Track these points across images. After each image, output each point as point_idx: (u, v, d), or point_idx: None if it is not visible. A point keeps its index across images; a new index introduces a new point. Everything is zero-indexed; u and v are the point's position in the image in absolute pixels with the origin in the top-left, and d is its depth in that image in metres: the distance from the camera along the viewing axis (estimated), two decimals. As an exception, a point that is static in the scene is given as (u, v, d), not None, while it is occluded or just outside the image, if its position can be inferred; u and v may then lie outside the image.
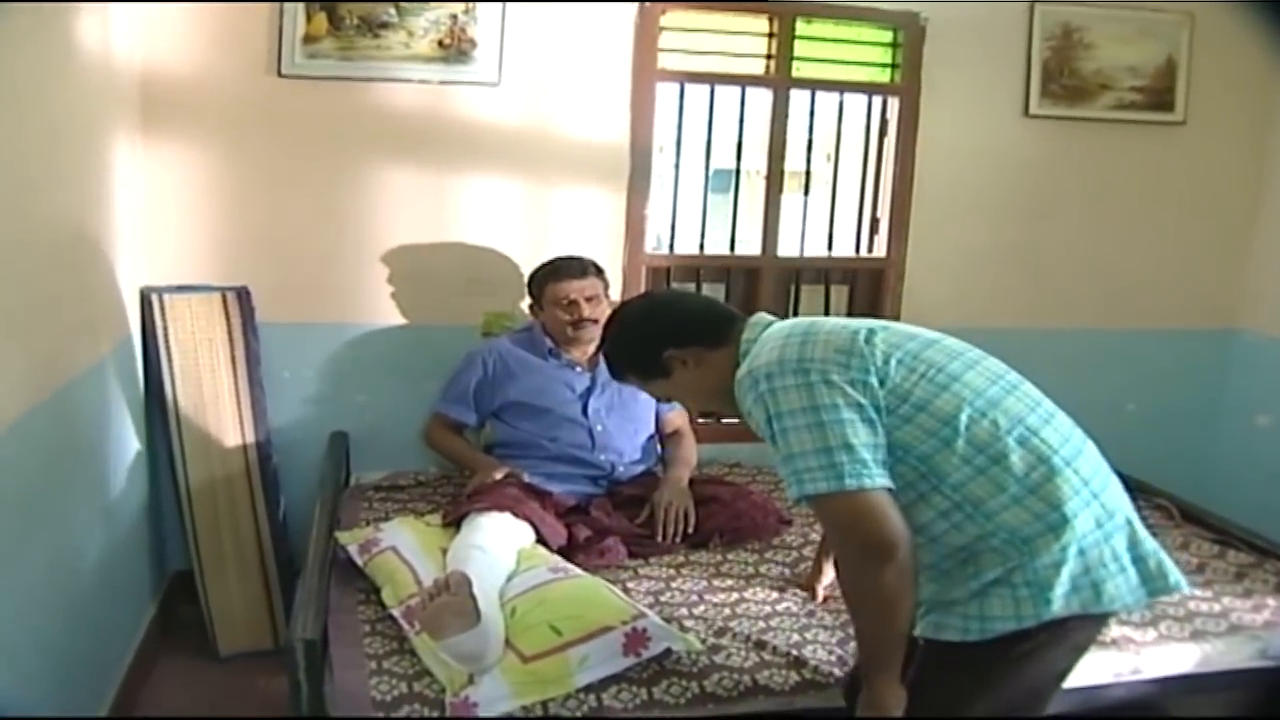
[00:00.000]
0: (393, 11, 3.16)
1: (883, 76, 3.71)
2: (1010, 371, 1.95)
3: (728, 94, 3.60)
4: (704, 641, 2.31)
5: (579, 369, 3.12)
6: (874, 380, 1.76)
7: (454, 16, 3.20)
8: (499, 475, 2.87)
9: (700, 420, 3.45)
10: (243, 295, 3.16)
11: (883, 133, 3.75)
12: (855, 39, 3.66)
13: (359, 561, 2.58)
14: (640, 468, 3.14)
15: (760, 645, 2.33)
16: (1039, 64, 3.68)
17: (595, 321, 3.02)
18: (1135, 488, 3.39)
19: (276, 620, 3.18)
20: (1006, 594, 1.75)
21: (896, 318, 3.74)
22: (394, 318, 3.40)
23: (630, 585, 2.61)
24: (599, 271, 3.14)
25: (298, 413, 3.37)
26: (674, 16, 3.42)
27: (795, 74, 3.58)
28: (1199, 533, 3.08)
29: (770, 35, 3.54)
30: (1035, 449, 1.79)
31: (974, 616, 1.77)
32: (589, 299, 3.06)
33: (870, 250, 3.82)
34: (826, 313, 3.79)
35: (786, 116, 3.59)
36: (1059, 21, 3.67)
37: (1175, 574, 1.86)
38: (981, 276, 3.80)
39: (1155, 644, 2.45)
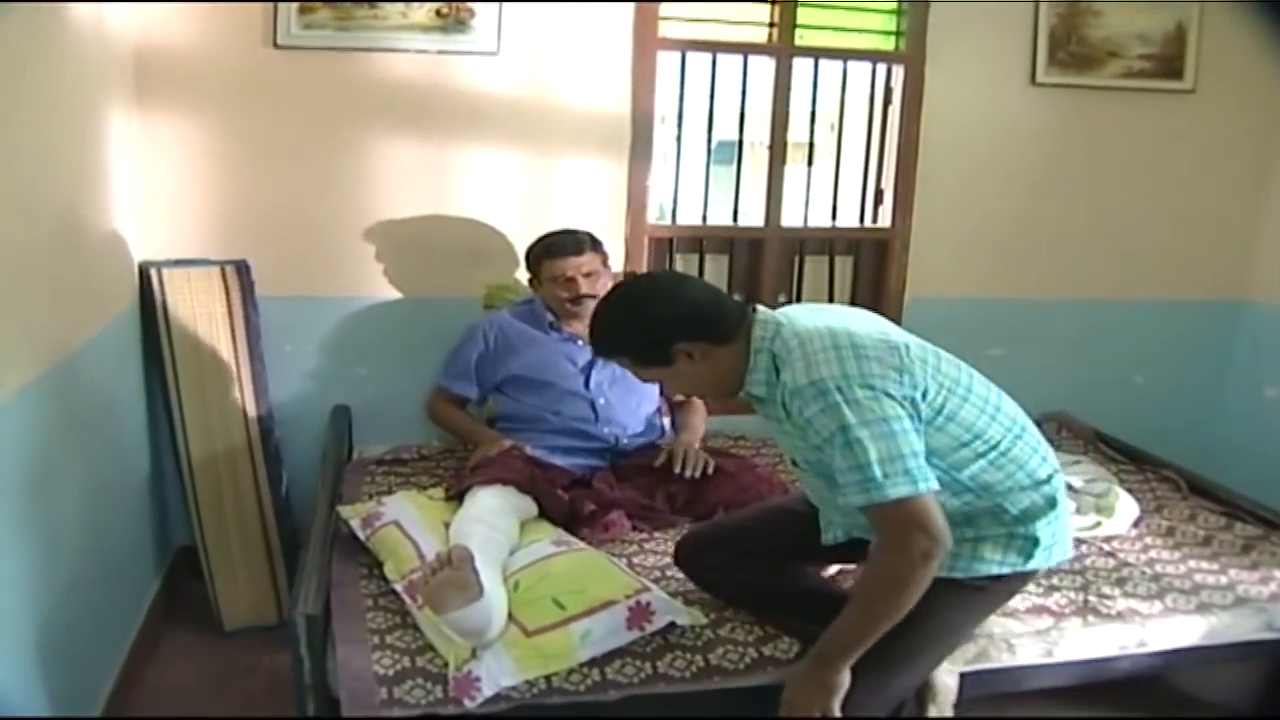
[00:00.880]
0: (390, -20, 3.12)
1: (887, 44, 3.68)
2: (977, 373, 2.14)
3: (730, 63, 3.57)
4: (708, 615, 2.30)
5: (580, 342, 3.10)
6: (919, 395, 1.92)
7: (452, -15, 3.16)
8: (501, 449, 2.86)
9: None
10: (242, 269, 3.14)
11: (887, 102, 3.71)
12: (859, 6, 3.63)
13: (361, 536, 2.57)
14: (643, 440, 3.12)
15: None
16: (1046, 31, 3.63)
17: (594, 297, 2.99)
18: (1142, 459, 3.41)
19: (280, 595, 3.17)
20: (1001, 544, 2.06)
21: (902, 289, 3.73)
22: (395, 290, 3.38)
23: (634, 559, 2.61)
24: (596, 245, 3.09)
25: (299, 387, 3.36)
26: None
27: (798, 42, 3.54)
28: (1206, 505, 3.06)
29: (773, 2, 3.50)
30: (1029, 441, 2.09)
31: (965, 557, 2.04)
32: (587, 275, 3.03)
33: (875, 221, 3.79)
34: (831, 284, 3.78)
35: (789, 86, 3.56)
36: (1066, -12, 3.62)
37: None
38: (987, 247, 3.77)
39: (1161, 616, 2.44)
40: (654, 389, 3.18)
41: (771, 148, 3.60)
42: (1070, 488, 2.96)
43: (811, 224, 3.78)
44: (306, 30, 3.12)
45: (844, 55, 3.66)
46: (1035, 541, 2.06)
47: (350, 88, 3.22)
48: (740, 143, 3.66)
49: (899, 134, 3.67)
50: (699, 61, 3.53)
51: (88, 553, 2.47)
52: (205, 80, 3.13)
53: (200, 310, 3.06)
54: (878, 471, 1.81)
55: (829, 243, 3.79)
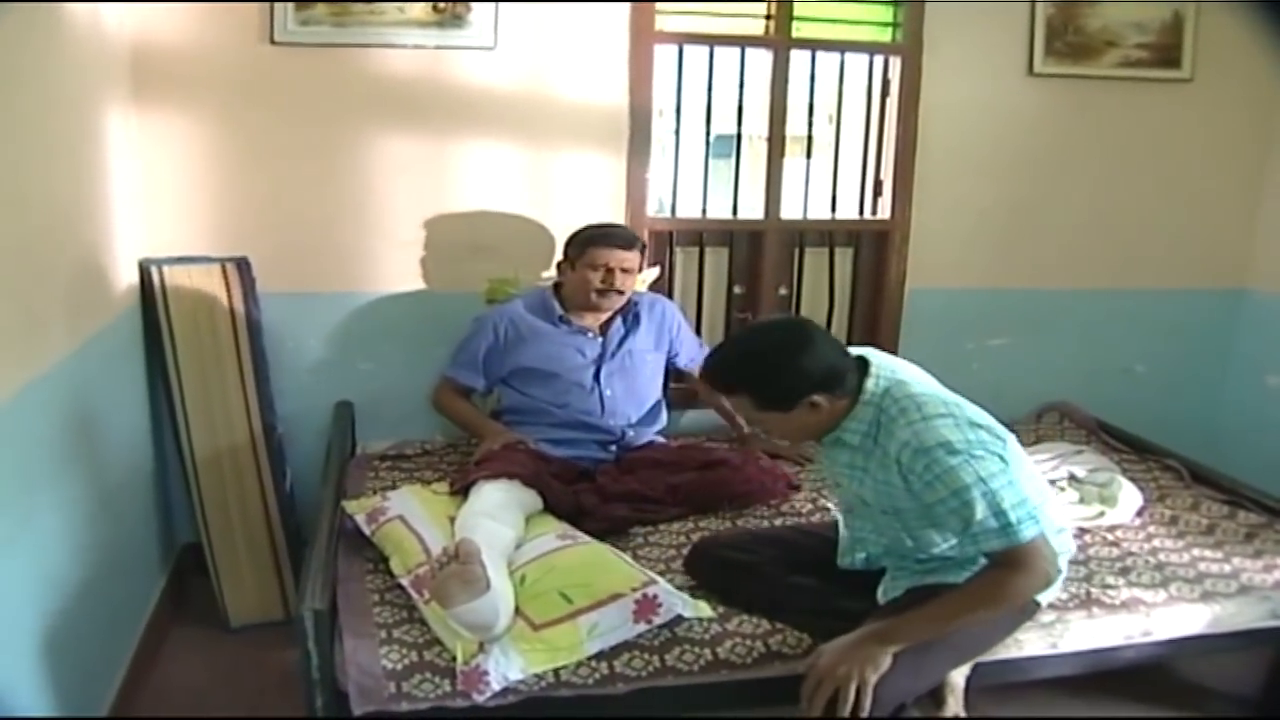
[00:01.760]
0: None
1: (884, 36, 3.67)
2: None
3: (727, 56, 3.56)
4: (716, 608, 2.30)
5: (590, 334, 3.10)
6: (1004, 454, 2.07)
7: (449, -20, 3.16)
8: (506, 442, 2.87)
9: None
10: (242, 265, 3.13)
11: (885, 93, 3.71)
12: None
13: (366, 531, 2.58)
14: (649, 432, 3.14)
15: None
16: (1043, 21, 3.63)
17: (622, 293, 3.06)
18: (1145, 448, 3.42)
19: (286, 590, 3.18)
20: None
21: (902, 280, 3.74)
22: (396, 285, 3.38)
23: (640, 552, 2.61)
24: (643, 249, 3.14)
25: (302, 382, 3.36)
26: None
27: (795, 34, 3.54)
28: (1209, 493, 3.07)
29: (770, -3, 3.50)
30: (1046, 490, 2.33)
31: None
32: (625, 270, 3.05)
33: (874, 212, 3.79)
34: (831, 276, 3.78)
35: (787, 78, 3.55)
36: (1063, -23, 3.61)
37: None
38: (987, 237, 3.78)
39: (1165, 605, 2.45)
40: (658, 381, 3.19)
41: (770, 140, 3.60)
42: (1073, 477, 2.99)
43: (811, 216, 3.77)
44: (303, 27, 3.11)
45: (841, 47, 3.65)
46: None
47: (348, 84, 3.21)
48: (739, 136, 3.66)
49: (897, 125, 3.66)
50: (696, 54, 3.53)
51: (93, 550, 2.47)
52: (203, 78, 3.12)
53: (201, 307, 3.06)
54: (1013, 518, 1.98)
55: (829, 235, 3.79)
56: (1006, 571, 2.04)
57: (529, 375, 3.08)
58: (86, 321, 2.54)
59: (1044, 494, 2.23)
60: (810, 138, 3.72)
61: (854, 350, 2.20)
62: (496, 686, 2.04)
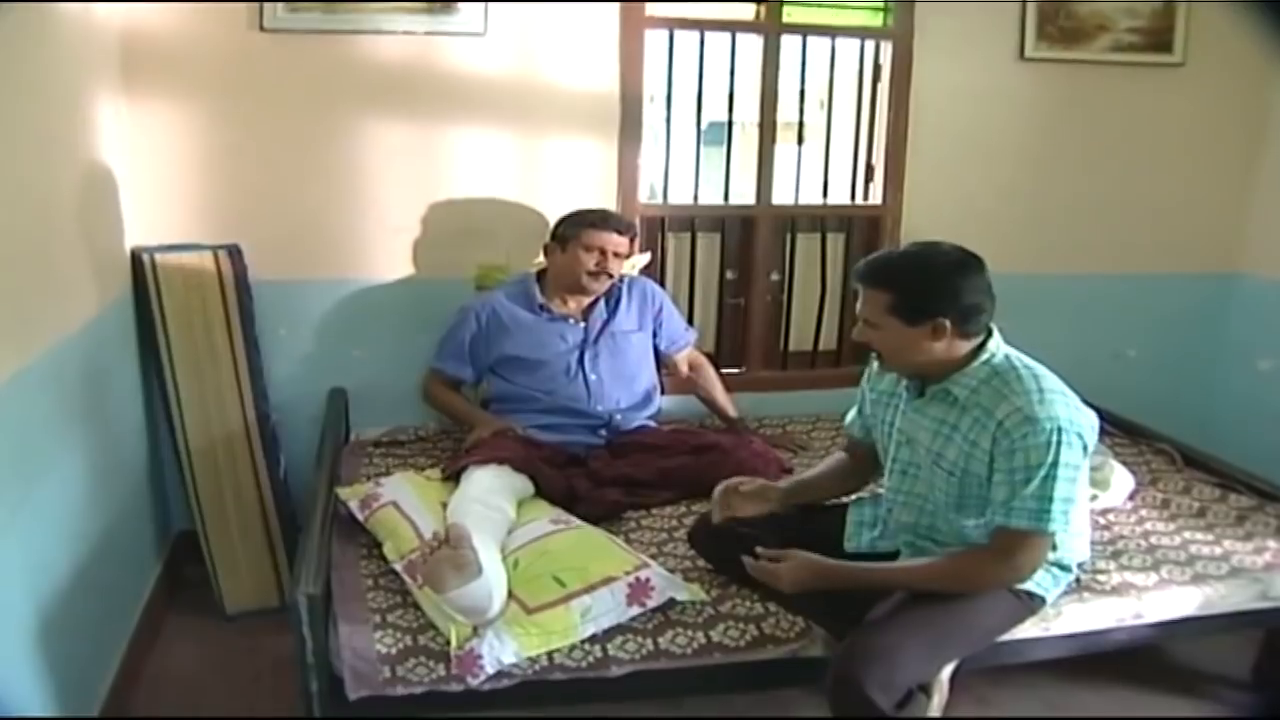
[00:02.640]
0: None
1: (875, 21, 3.67)
2: None
3: (718, 41, 3.56)
4: (709, 592, 2.31)
5: (572, 320, 3.10)
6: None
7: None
8: (496, 430, 2.87)
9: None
10: (234, 253, 3.12)
11: (876, 78, 3.71)
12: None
13: (360, 517, 2.58)
14: (639, 416, 3.14)
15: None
16: (1034, 6, 3.62)
17: (611, 277, 3.07)
18: (1137, 432, 3.42)
19: (281, 578, 3.18)
20: (1042, 568, 2.20)
21: (895, 265, 3.72)
22: (388, 272, 3.37)
23: (632, 536, 2.62)
24: (634, 236, 3.16)
25: (295, 370, 3.36)
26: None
27: (786, 19, 3.53)
28: (1201, 477, 3.08)
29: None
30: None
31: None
32: (616, 255, 3.06)
33: (866, 198, 3.79)
34: (824, 261, 3.79)
35: (778, 64, 3.55)
36: (1054, -38, 3.61)
37: None
38: (979, 222, 3.75)
39: (1157, 588, 2.46)
40: (648, 365, 3.19)
41: (761, 126, 3.59)
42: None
43: (803, 202, 3.78)
44: (292, 14, 3.11)
45: (832, 32, 3.65)
46: (1066, 569, 2.30)
47: (337, 70, 3.20)
48: (730, 123, 3.65)
49: (889, 111, 3.66)
50: (687, 40, 3.52)
51: (88, 539, 2.47)
52: (192, 65, 3.11)
53: (194, 295, 3.05)
54: (1055, 508, 2.02)
55: (821, 220, 3.79)
56: (994, 555, 2.09)
57: (514, 364, 3.08)
58: (78, 309, 2.53)
59: (1083, 496, 2.23)
60: (801, 123, 3.72)
61: None
62: (490, 670, 2.05)
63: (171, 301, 3.03)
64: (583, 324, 3.11)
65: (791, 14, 3.53)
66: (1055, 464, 2.01)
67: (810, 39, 3.61)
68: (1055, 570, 2.27)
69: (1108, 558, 2.56)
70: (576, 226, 3.06)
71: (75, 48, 2.65)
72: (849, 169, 3.80)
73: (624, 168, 3.44)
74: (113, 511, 2.70)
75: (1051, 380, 2.13)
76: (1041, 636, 2.37)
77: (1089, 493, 2.80)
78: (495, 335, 3.10)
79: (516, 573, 2.24)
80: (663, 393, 3.31)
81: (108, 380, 2.78)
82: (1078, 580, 2.43)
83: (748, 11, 3.54)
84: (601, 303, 3.14)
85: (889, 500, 2.37)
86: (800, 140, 3.75)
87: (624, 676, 2.14)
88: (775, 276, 3.75)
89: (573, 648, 2.13)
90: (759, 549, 2.18)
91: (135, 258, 3.03)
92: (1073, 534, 2.25)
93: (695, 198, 3.71)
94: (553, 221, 3.18)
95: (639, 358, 3.18)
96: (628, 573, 2.21)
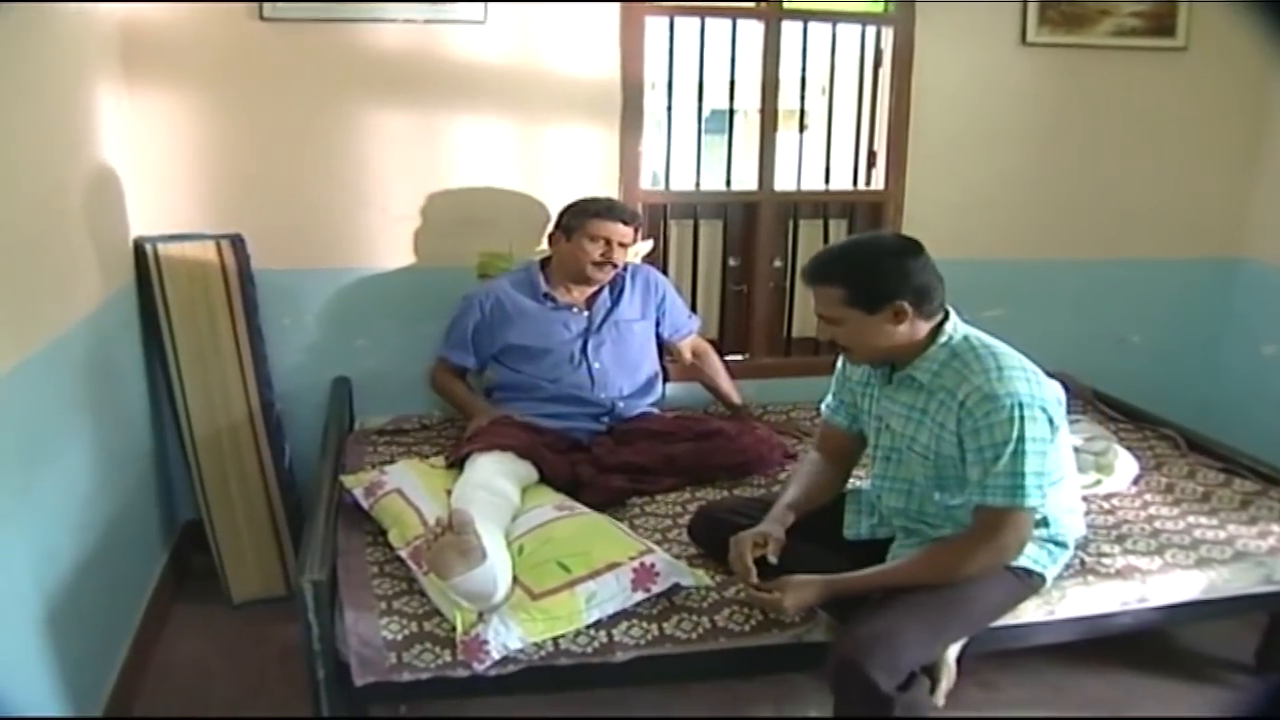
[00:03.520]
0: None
1: (876, 6, 3.66)
2: None
3: (719, 28, 3.55)
4: (713, 577, 2.31)
5: (575, 309, 3.11)
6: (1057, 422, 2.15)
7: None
8: (493, 418, 2.89)
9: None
10: (237, 242, 3.13)
11: (877, 64, 3.70)
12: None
13: (364, 505, 2.59)
14: (642, 404, 3.14)
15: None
16: (1037, -10, 3.61)
17: (616, 266, 3.07)
18: (1141, 417, 3.42)
19: (288, 566, 3.19)
20: (1038, 544, 2.26)
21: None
22: (390, 261, 3.38)
23: (636, 522, 2.63)
24: (639, 226, 3.15)
25: (298, 359, 3.36)
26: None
27: (786, 5, 3.52)
28: (1205, 461, 3.08)
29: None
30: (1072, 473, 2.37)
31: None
32: (622, 245, 3.06)
33: (868, 183, 3.79)
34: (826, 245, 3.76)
35: (779, 50, 3.54)
36: (1056, -55, 3.59)
37: None
38: (981, 208, 3.77)
39: (1161, 572, 2.46)
40: (651, 352, 3.20)
41: (763, 113, 3.59)
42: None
43: (805, 188, 3.77)
44: (292, 2, 3.10)
45: (833, 18, 3.63)
46: (1062, 545, 2.33)
47: (338, 59, 3.20)
48: (731, 110, 3.64)
49: (890, 96, 3.65)
50: (687, 27, 3.51)
51: (94, 529, 2.48)
52: (193, 55, 3.11)
53: (197, 284, 3.06)
54: (1029, 482, 2.06)
55: (823, 206, 3.79)
56: (970, 542, 2.14)
57: (518, 352, 3.08)
58: (82, 300, 2.54)
59: (1066, 471, 2.26)
60: (803, 110, 3.71)
61: None
62: (496, 655, 2.05)
63: (175, 291, 3.03)
64: (586, 312, 3.11)
65: (792, 0, 3.52)
66: (1021, 439, 2.04)
67: (811, 25, 3.60)
68: (1050, 546, 2.29)
69: (1112, 541, 2.56)
70: (582, 216, 3.05)
71: (76, 40, 2.65)
72: (851, 155, 3.79)
73: (626, 155, 3.43)
74: (118, 501, 2.71)
75: (1010, 357, 2.15)
76: (1046, 620, 2.37)
77: (1086, 471, 2.82)
78: (499, 323, 3.10)
79: (521, 559, 2.25)
80: (666, 380, 3.31)
81: (112, 370, 2.79)
82: (1082, 562, 2.43)
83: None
84: (605, 291, 3.14)
85: (877, 486, 2.39)
86: (802, 128, 3.75)
87: (629, 662, 2.15)
88: (778, 263, 3.75)
89: (578, 633, 2.13)
90: (754, 581, 2.18)
91: (138, 248, 3.03)
92: (1064, 510, 2.30)
93: (697, 184, 3.70)
94: (555, 210, 3.18)
95: (642, 346, 3.18)
96: (632, 558, 2.21)
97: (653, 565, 2.20)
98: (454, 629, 2.09)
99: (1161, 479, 2.98)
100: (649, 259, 3.42)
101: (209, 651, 2.89)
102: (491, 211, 3.37)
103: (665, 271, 3.50)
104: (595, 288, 3.13)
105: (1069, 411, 3.34)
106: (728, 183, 3.72)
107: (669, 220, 3.65)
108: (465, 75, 3.27)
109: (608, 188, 3.39)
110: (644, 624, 2.18)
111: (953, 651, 2.24)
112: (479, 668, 2.05)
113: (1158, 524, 2.68)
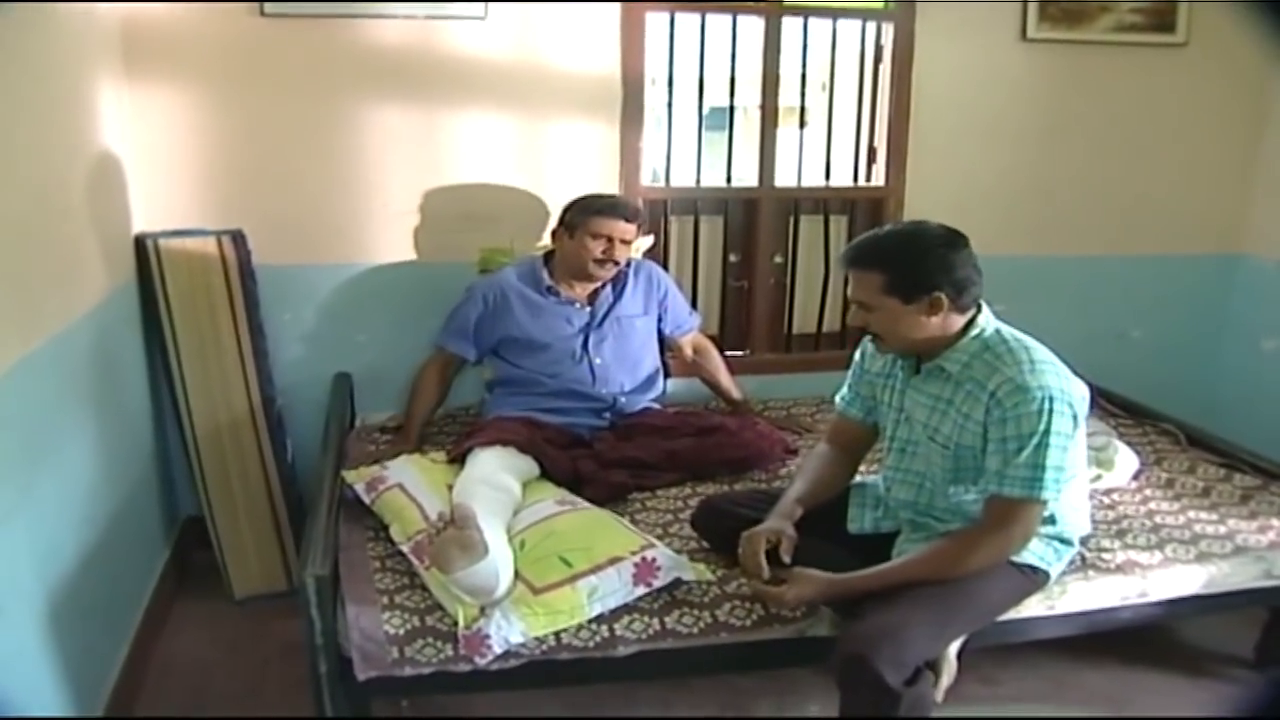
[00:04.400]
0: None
1: (876, 2, 3.66)
2: None
3: (719, 24, 3.55)
4: (714, 572, 2.32)
5: (578, 304, 3.11)
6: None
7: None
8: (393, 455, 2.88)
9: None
10: (238, 238, 3.13)
11: (878, 60, 3.69)
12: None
13: (366, 500, 2.59)
14: (643, 399, 3.14)
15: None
16: (1037, -15, 3.61)
17: (617, 264, 3.06)
18: (1141, 413, 3.43)
19: (290, 562, 3.19)
20: (1044, 541, 2.27)
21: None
22: (391, 256, 3.38)
23: (638, 517, 2.63)
24: (642, 223, 3.15)
25: (300, 355, 3.37)
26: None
27: (787, 1, 3.52)
28: (1205, 456, 3.09)
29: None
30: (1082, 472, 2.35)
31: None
32: (624, 242, 3.05)
33: (869, 180, 3.79)
34: (826, 243, 3.79)
35: (779, 46, 3.54)
36: (1056, -59, 3.59)
37: None
38: (982, 204, 3.76)
39: (1161, 566, 2.47)
40: (652, 348, 3.20)
41: (763, 109, 3.59)
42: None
43: (805, 184, 3.77)
44: (293, -1, 3.11)
45: (833, 13, 3.63)
46: (1068, 543, 2.34)
47: (339, 54, 3.20)
48: (731, 107, 3.64)
49: (890, 92, 3.65)
50: (688, 22, 3.51)
51: (95, 524, 2.48)
52: (194, 51, 3.11)
53: (198, 280, 3.06)
54: (1048, 476, 2.07)
55: (823, 202, 3.79)
56: (987, 527, 2.15)
57: (519, 346, 3.08)
58: (83, 296, 2.54)
59: (1079, 469, 2.26)
60: (803, 106, 3.71)
61: None
62: (498, 650, 2.06)
63: (176, 287, 3.04)
64: (588, 308, 3.11)
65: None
66: (1047, 431, 2.05)
67: (811, 21, 3.59)
68: (1056, 544, 2.30)
69: (1112, 536, 2.57)
70: (584, 213, 3.05)
71: (78, 37, 2.66)
72: (851, 151, 3.79)
73: (626, 151, 3.43)
74: (120, 497, 2.71)
75: (1042, 352, 2.17)
76: (1047, 615, 2.37)
77: (1088, 467, 2.82)
78: (501, 315, 3.10)
79: (523, 553, 2.25)
80: (667, 376, 3.31)
81: (114, 366, 2.79)
82: (1082, 558, 2.44)
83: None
84: (607, 287, 3.14)
85: (888, 478, 2.39)
86: (803, 124, 3.74)
87: (630, 656, 2.15)
88: (779, 259, 3.75)
89: (580, 628, 2.14)
90: (761, 575, 2.18)
91: (140, 243, 3.04)
92: (1071, 508, 2.30)
93: (698, 180, 3.70)
94: (556, 206, 3.18)
95: (643, 341, 3.19)
96: (634, 553, 2.22)
97: (654, 560, 2.21)
98: (456, 624, 2.09)
99: (1162, 474, 2.99)
100: (649, 254, 3.42)
101: (211, 647, 2.90)
102: (492, 207, 3.37)
103: (665, 267, 3.50)
104: (597, 284, 3.13)
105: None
106: (728, 179, 3.72)
107: (669, 216, 3.65)
108: (466, 71, 3.27)
109: (608, 184, 3.39)
110: (645, 619, 2.18)
111: (953, 647, 2.24)
112: (481, 662, 2.05)
113: (1158, 519, 2.68)
